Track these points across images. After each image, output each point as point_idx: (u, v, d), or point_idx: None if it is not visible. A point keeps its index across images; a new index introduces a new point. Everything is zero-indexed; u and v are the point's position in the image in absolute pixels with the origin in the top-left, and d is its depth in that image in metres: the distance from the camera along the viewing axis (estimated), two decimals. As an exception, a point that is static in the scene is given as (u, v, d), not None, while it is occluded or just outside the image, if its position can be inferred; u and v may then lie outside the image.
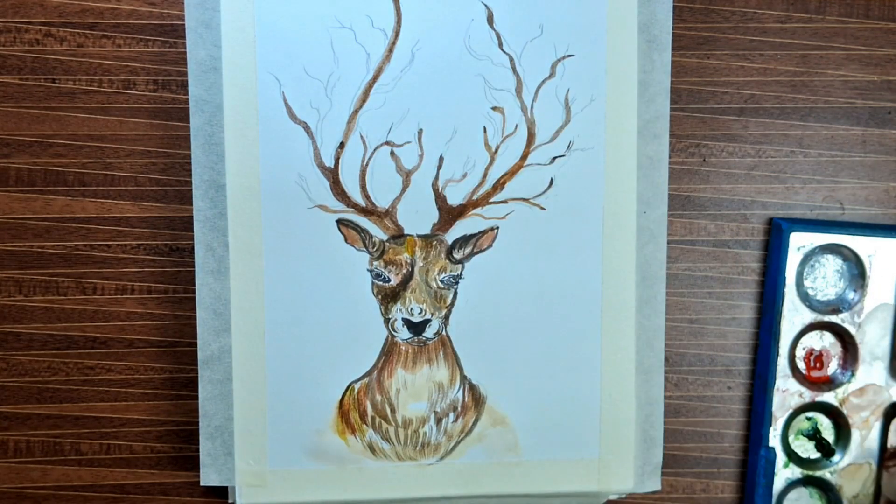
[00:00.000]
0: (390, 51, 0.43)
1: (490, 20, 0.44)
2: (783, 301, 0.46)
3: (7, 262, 0.45)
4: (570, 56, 0.44)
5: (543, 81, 0.44)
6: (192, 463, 0.46)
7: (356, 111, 0.44)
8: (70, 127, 0.44)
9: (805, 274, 0.47)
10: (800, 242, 0.46)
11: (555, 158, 0.44)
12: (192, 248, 0.45)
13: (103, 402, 0.46)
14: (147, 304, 0.45)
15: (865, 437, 0.47)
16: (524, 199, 0.44)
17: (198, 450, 0.46)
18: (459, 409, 0.46)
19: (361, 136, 0.44)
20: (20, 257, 0.45)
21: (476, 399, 0.46)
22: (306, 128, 0.43)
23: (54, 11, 0.44)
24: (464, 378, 0.46)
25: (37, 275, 0.45)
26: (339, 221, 0.44)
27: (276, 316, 0.44)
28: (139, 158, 0.45)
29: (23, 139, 0.44)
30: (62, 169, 0.45)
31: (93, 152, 0.44)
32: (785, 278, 0.46)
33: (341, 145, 0.44)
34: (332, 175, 0.44)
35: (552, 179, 0.44)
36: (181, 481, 0.46)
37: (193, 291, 0.45)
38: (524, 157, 0.44)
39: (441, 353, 0.45)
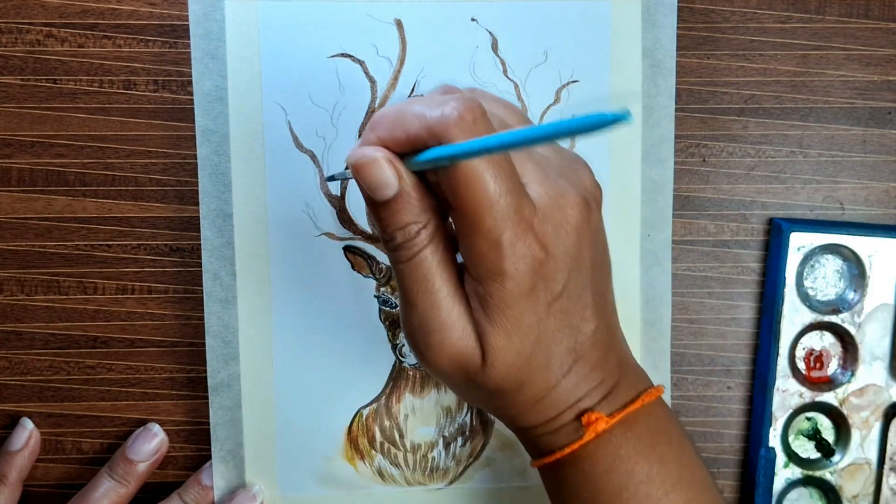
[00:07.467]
0: (395, 79, 0.44)
1: (494, 47, 0.44)
2: (783, 301, 0.46)
3: (9, 261, 0.45)
4: (574, 82, 0.44)
5: (548, 107, 0.44)
6: (193, 462, 0.46)
7: None
8: (71, 127, 0.44)
9: (805, 274, 0.47)
10: (800, 242, 0.46)
11: None
12: (192, 249, 0.45)
13: (104, 402, 0.46)
14: (147, 304, 0.45)
15: (865, 437, 0.47)
16: None
17: (198, 449, 0.46)
18: (468, 433, 0.46)
19: None
20: (22, 257, 0.45)
21: (484, 423, 0.46)
22: (312, 156, 0.44)
23: (55, 12, 0.44)
24: None
25: (38, 274, 0.45)
26: (345, 248, 0.44)
27: (284, 343, 0.44)
28: (139, 158, 0.45)
29: (24, 139, 0.45)
30: (63, 169, 0.45)
31: (93, 152, 0.45)
32: (785, 278, 0.46)
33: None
34: (339, 203, 0.44)
35: None
36: (182, 481, 0.46)
37: (193, 291, 0.45)
38: (529, 183, 0.44)
39: None
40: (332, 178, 0.43)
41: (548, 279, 0.31)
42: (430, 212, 0.32)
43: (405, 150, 0.31)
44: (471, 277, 0.32)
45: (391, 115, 0.31)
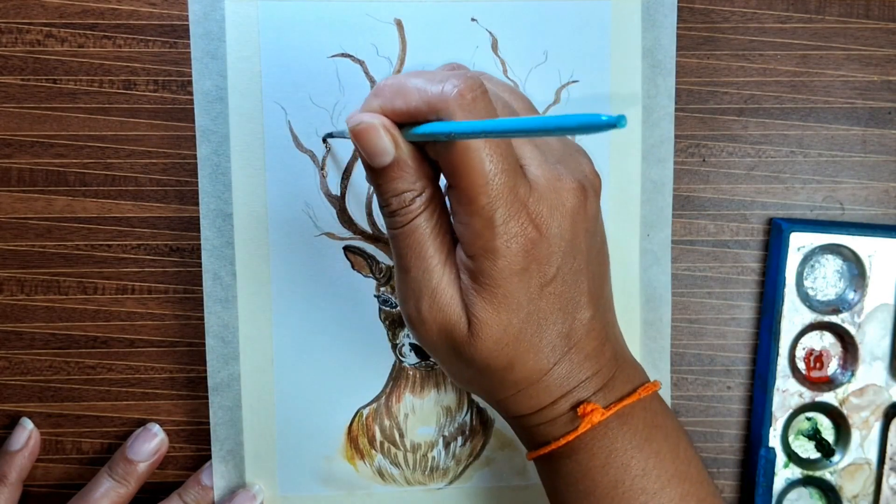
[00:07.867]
0: None
1: (494, 47, 0.44)
2: (783, 301, 0.46)
3: (9, 261, 0.45)
4: (574, 82, 0.44)
5: (548, 108, 0.44)
6: (193, 462, 0.46)
7: None
8: (71, 127, 0.44)
9: (805, 274, 0.47)
10: (800, 242, 0.46)
11: None
12: (192, 249, 0.45)
13: (104, 402, 0.46)
14: (147, 304, 0.46)
15: (865, 437, 0.47)
16: None
17: (198, 449, 0.46)
18: (467, 432, 0.46)
19: None
20: (22, 257, 0.45)
21: (484, 422, 0.46)
22: (312, 156, 0.44)
23: (55, 12, 0.44)
24: (471, 402, 0.46)
25: (38, 274, 0.45)
26: (345, 248, 0.44)
27: (284, 343, 0.44)
28: (139, 158, 0.45)
29: (24, 139, 0.45)
30: (63, 169, 0.45)
31: (93, 152, 0.45)
32: (785, 278, 0.46)
33: (347, 172, 0.44)
34: (339, 203, 0.44)
35: None
36: (182, 481, 0.46)
37: (193, 291, 0.45)
38: (529, 182, 0.44)
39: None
40: (330, 136, 0.43)
41: (541, 261, 0.31)
42: (426, 181, 0.32)
43: (404, 121, 0.31)
44: (464, 254, 0.32)
45: (394, 84, 0.32)
